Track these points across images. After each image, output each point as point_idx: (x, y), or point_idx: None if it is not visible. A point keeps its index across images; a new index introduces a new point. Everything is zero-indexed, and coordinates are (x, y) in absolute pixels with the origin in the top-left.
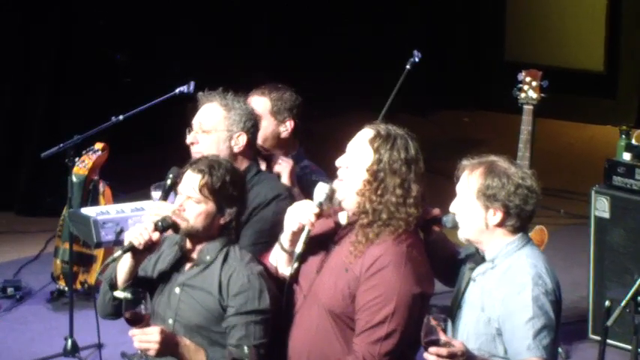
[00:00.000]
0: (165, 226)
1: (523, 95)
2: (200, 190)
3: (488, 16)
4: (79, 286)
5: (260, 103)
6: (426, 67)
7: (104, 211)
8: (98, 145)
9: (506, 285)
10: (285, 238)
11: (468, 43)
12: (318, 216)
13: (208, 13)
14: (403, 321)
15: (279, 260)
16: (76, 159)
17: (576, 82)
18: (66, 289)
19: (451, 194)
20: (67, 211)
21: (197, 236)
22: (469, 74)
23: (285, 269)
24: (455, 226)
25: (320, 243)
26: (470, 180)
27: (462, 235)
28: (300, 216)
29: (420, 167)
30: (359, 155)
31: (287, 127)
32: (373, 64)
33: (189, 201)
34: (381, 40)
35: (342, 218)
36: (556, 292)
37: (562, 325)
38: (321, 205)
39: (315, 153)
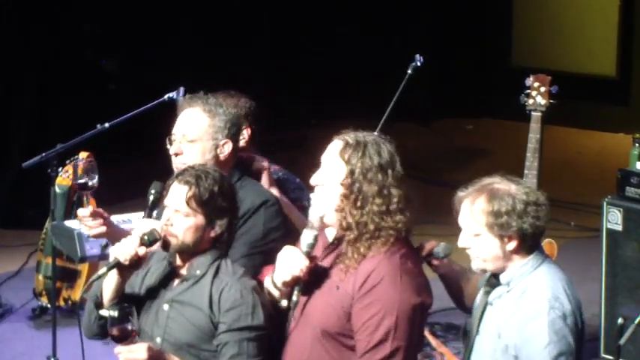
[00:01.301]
0: (152, 240)
1: (531, 101)
2: (187, 203)
3: (495, 19)
4: (62, 303)
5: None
6: (428, 72)
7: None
8: (83, 155)
9: (522, 310)
10: (278, 281)
11: (473, 47)
12: (310, 267)
13: (200, 18)
14: (406, 335)
15: (271, 290)
16: (60, 169)
17: (587, 88)
18: (49, 305)
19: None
20: (50, 224)
21: (187, 252)
22: (474, 80)
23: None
24: (448, 255)
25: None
26: (474, 212)
27: (477, 267)
28: (291, 268)
29: (397, 170)
30: (331, 170)
31: (244, 135)
32: (374, 71)
33: (176, 215)
34: (382, 46)
35: (329, 235)
36: (575, 315)
37: None
38: (309, 254)
39: (312, 162)
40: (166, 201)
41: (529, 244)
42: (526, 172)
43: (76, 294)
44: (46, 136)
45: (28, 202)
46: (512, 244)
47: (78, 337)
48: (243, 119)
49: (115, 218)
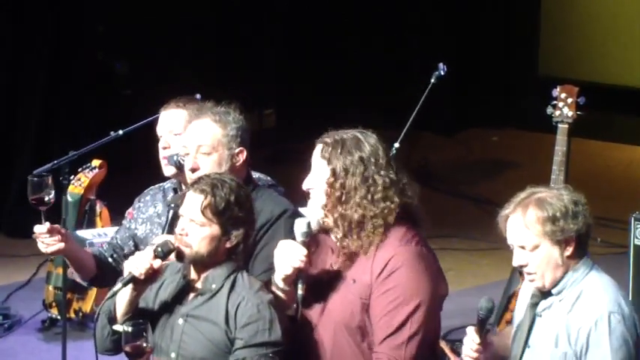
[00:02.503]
0: (167, 251)
1: (558, 113)
2: (203, 212)
3: (521, 28)
4: (72, 315)
5: (179, 115)
6: (452, 81)
7: (101, 234)
8: (95, 162)
9: (581, 316)
10: (278, 278)
11: (498, 56)
12: (308, 255)
13: (216, 23)
14: (424, 321)
15: (278, 294)
16: (72, 177)
17: (616, 99)
18: (59, 317)
19: (478, 220)
20: None
21: (202, 263)
22: (499, 89)
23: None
24: (491, 308)
25: (318, 263)
26: (529, 223)
27: (541, 285)
28: (290, 260)
29: (381, 157)
30: (317, 172)
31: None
32: (397, 79)
33: (191, 224)
34: (406, 54)
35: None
36: (634, 318)
37: None
38: (304, 242)
39: None
40: (181, 210)
41: (583, 246)
42: (552, 185)
43: (87, 305)
44: (58, 142)
45: (39, 211)
46: (570, 249)
47: (88, 349)
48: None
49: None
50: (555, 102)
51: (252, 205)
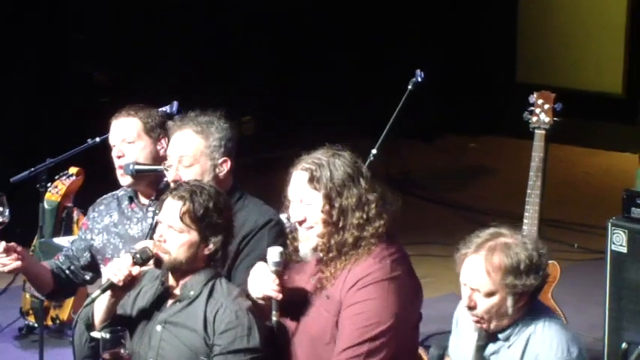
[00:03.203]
0: (145, 258)
1: (535, 119)
2: (181, 219)
3: (499, 35)
4: (50, 323)
5: (131, 124)
6: (430, 88)
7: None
8: (72, 170)
9: None
10: (253, 296)
11: (476, 63)
12: (280, 284)
13: (195, 31)
14: (389, 340)
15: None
16: (49, 184)
17: (593, 106)
18: (36, 325)
19: (457, 226)
20: (38, 241)
21: (180, 270)
22: (477, 96)
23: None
24: (440, 355)
25: (294, 278)
26: (491, 270)
27: (485, 327)
28: (262, 288)
29: (365, 173)
30: (308, 202)
31: (162, 145)
32: (375, 87)
33: (170, 230)
34: (383, 61)
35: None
36: (584, 352)
37: None
38: (277, 272)
39: None
40: (160, 217)
41: (535, 296)
42: (529, 191)
43: (64, 313)
44: (35, 149)
45: (16, 218)
46: (523, 302)
47: (65, 357)
48: (160, 129)
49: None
50: (532, 108)
51: (230, 212)
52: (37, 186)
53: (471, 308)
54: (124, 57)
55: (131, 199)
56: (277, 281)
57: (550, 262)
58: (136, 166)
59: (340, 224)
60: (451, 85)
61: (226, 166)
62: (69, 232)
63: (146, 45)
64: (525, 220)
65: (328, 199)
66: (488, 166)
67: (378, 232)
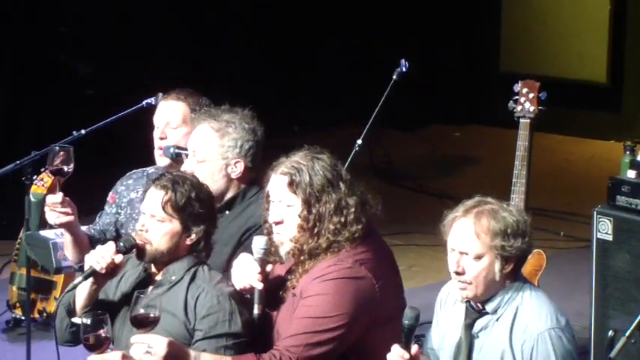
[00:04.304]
0: (129, 246)
1: (520, 108)
2: (163, 208)
3: (482, 24)
4: (37, 315)
5: (178, 109)
6: (415, 78)
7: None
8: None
9: (522, 334)
10: (237, 287)
11: (460, 52)
12: (263, 273)
13: (178, 23)
14: (338, 336)
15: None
16: (34, 177)
17: (577, 95)
18: (23, 318)
19: (442, 215)
20: (24, 234)
21: (162, 260)
22: (461, 86)
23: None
24: (416, 316)
25: (276, 272)
26: (479, 232)
27: (467, 295)
28: (246, 277)
29: (345, 176)
30: (287, 205)
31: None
32: (359, 76)
33: (152, 220)
34: (368, 51)
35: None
36: (571, 326)
37: None
38: (262, 261)
39: None
40: (142, 206)
41: (520, 266)
42: (514, 180)
43: (51, 306)
44: (21, 142)
45: (1, 211)
46: (510, 267)
47: (52, 349)
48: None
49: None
50: (517, 97)
51: (213, 202)
52: (23, 179)
53: (459, 274)
54: (108, 49)
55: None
56: (259, 269)
57: (536, 250)
58: (177, 150)
59: (316, 230)
60: (435, 75)
61: (240, 167)
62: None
63: (131, 36)
64: None
65: (307, 204)
66: (473, 155)
67: (354, 237)
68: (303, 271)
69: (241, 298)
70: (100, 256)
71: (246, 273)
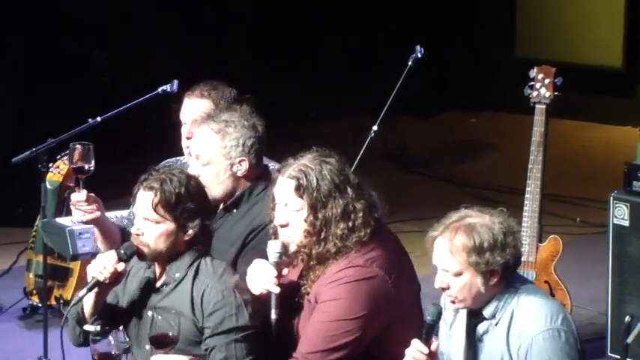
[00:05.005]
0: (130, 254)
1: (535, 94)
2: (155, 210)
3: (498, 10)
4: (53, 302)
5: (202, 106)
6: (430, 64)
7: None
8: None
9: (520, 337)
10: (253, 292)
11: (475, 38)
12: (279, 277)
13: (192, 9)
14: (354, 340)
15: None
16: (50, 164)
17: (593, 80)
18: (40, 305)
19: (457, 202)
20: (41, 221)
21: (162, 259)
22: (477, 72)
23: None
24: (439, 312)
25: (287, 288)
26: (454, 250)
27: (462, 307)
28: (261, 282)
29: (352, 180)
30: (293, 209)
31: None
32: (375, 63)
33: (146, 222)
34: (383, 37)
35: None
36: (574, 330)
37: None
38: (277, 264)
39: None
40: (134, 210)
41: (509, 275)
42: (530, 166)
43: (68, 293)
44: (36, 130)
45: (18, 198)
46: (495, 279)
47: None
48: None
49: (108, 215)
50: (533, 83)
51: (205, 193)
52: (39, 166)
53: (444, 289)
54: (124, 36)
55: None
56: (275, 273)
57: (552, 236)
58: None
59: (322, 235)
60: (451, 61)
61: (245, 165)
62: (71, 212)
63: (146, 24)
64: (527, 195)
65: (313, 209)
66: (489, 142)
67: (362, 241)
68: (315, 277)
69: (246, 287)
70: (103, 267)
71: (262, 278)
